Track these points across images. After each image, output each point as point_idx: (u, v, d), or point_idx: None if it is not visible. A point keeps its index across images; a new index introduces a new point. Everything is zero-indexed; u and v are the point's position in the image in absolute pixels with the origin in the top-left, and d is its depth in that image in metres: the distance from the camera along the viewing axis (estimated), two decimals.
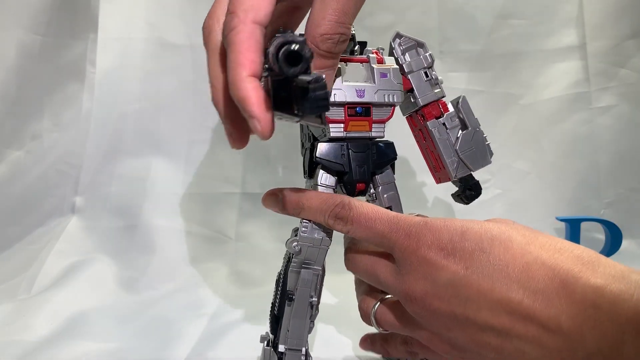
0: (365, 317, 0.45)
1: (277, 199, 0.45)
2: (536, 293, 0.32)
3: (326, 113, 0.44)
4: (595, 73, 0.89)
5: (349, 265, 0.45)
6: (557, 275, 0.32)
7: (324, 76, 0.34)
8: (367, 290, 0.46)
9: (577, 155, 0.91)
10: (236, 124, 0.39)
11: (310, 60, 0.33)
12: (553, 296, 0.31)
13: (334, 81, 0.44)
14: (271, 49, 0.33)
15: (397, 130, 0.50)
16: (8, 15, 0.79)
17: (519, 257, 0.33)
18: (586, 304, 0.30)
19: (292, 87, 0.34)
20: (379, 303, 0.44)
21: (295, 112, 0.35)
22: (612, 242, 0.82)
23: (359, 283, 0.49)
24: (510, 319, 0.33)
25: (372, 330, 0.47)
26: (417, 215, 0.48)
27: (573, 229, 0.83)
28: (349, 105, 0.45)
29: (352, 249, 0.45)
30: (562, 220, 0.84)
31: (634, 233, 0.89)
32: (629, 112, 0.90)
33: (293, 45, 0.32)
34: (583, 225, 0.84)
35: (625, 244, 0.83)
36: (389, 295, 0.44)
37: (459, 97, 0.50)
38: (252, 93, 0.34)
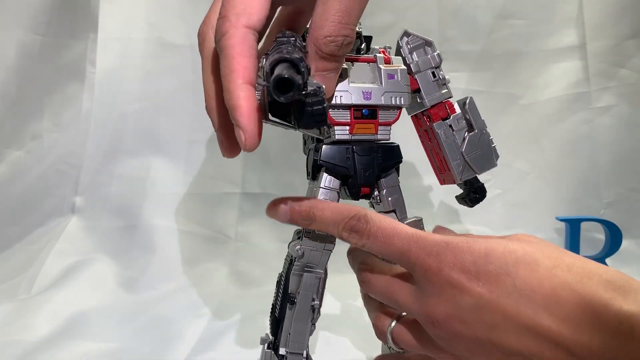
0: (381, 335, 0.42)
1: (283, 209, 0.42)
2: (565, 320, 0.31)
3: (331, 115, 0.44)
4: (595, 73, 0.89)
5: (365, 286, 0.43)
6: (586, 302, 0.30)
7: (323, 87, 0.34)
8: (380, 306, 0.43)
9: (577, 155, 0.91)
10: (229, 133, 0.38)
11: (305, 81, 0.31)
12: (583, 324, 0.30)
13: (340, 82, 0.43)
14: (265, 65, 0.32)
15: (400, 129, 0.49)
16: (8, 15, 0.79)
17: (546, 282, 0.32)
18: (619, 332, 0.29)
19: None
20: (395, 321, 0.41)
21: (292, 123, 0.34)
22: (612, 242, 0.83)
23: (368, 298, 0.46)
24: (538, 344, 0.32)
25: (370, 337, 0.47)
26: (415, 218, 0.47)
27: (573, 229, 0.83)
28: (354, 108, 0.44)
29: (366, 269, 0.42)
30: (562, 220, 0.84)
31: (634, 233, 0.89)
32: (629, 112, 0.90)
33: (284, 72, 0.30)
34: (583, 225, 0.84)
35: (625, 244, 0.83)
36: (405, 313, 0.42)
37: (466, 98, 0.49)
38: (244, 102, 0.33)
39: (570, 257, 0.34)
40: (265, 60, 0.33)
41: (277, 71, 0.30)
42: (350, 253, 0.46)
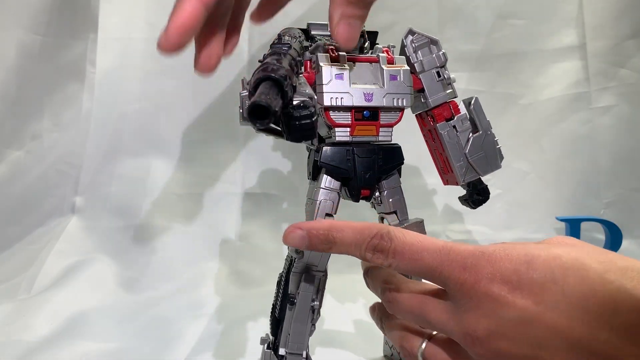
0: (411, 357, 0.38)
1: (300, 235, 0.38)
2: (625, 331, 0.27)
3: (332, 117, 0.44)
4: (595, 73, 0.89)
5: (392, 307, 0.39)
6: None
7: (314, 98, 0.33)
8: (406, 326, 0.40)
9: (577, 155, 0.91)
10: (201, 47, 0.39)
11: (290, 99, 0.31)
12: None
13: (341, 83, 0.43)
14: (252, 79, 0.32)
15: (403, 128, 0.49)
16: (8, 15, 0.79)
17: (599, 288, 0.28)
18: None
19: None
20: (426, 342, 0.37)
21: (282, 133, 0.34)
22: (612, 242, 0.83)
23: (388, 318, 0.41)
24: None
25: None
26: (416, 220, 0.47)
27: (573, 229, 0.83)
28: (355, 109, 0.44)
29: (391, 288, 0.39)
30: (562, 220, 0.84)
31: (634, 233, 0.89)
32: (629, 112, 0.90)
33: (261, 97, 0.28)
34: (583, 225, 0.84)
35: (625, 244, 0.83)
36: (437, 332, 0.38)
37: (471, 98, 0.49)
38: (182, 12, 0.34)
39: (622, 259, 0.30)
40: (253, 74, 0.33)
41: (257, 93, 0.30)
42: (368, 273, 0.42)
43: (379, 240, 0.36)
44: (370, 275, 0.42)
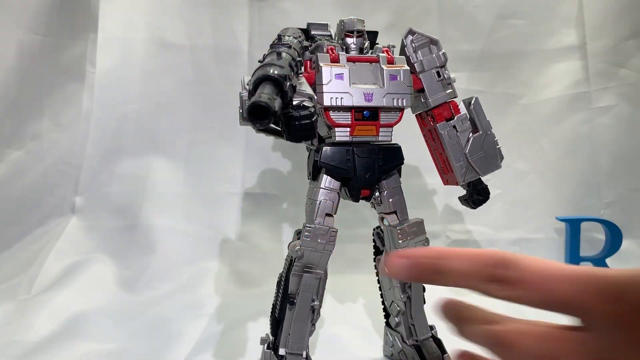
0: None
1: (400, 265, 0.32)
2: None
3: (332, 117, 0.44)
4: (595, 73, 0.89)
5: (507, 353, 0.30)
6: None
7: (314, 98, 0.33)
8: None
9: (577, 155, 0.91)
10: None
11: (290, 98, 0.31)
12: None
13: (340, 83, 0.43)
14: (252, 79, 0.32)
15: (403, 128, 0.49)
16: (8, 15, 0.79)
17: None
18: None
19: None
20: None
21: (282, 134, 0.34)
22: (612, 242, 0.83)
23: None
24: None
25: None
26: (416, 219, 0.47)
27: (573, 229, 0.83)
28: (355, 109, 0.44)
29: (503, 330, 0.31)
30: (562, 220, 0.85)
31: (634, 233, 0.89)
32: (629, 112, 0.90)
33: (262, 97, 0.28)
34: (583, 225, 0.84)
35: (625, 244, 0.83)
36: None
37: (471, 98, 0.49)
38: None
39: None
40: (253, 74, 0.33)
41: (256, 93, 0.30)
42: (460, 318, 0.32)
43: (502, 269, 0.30)
44: (470, 320, 0.32)
